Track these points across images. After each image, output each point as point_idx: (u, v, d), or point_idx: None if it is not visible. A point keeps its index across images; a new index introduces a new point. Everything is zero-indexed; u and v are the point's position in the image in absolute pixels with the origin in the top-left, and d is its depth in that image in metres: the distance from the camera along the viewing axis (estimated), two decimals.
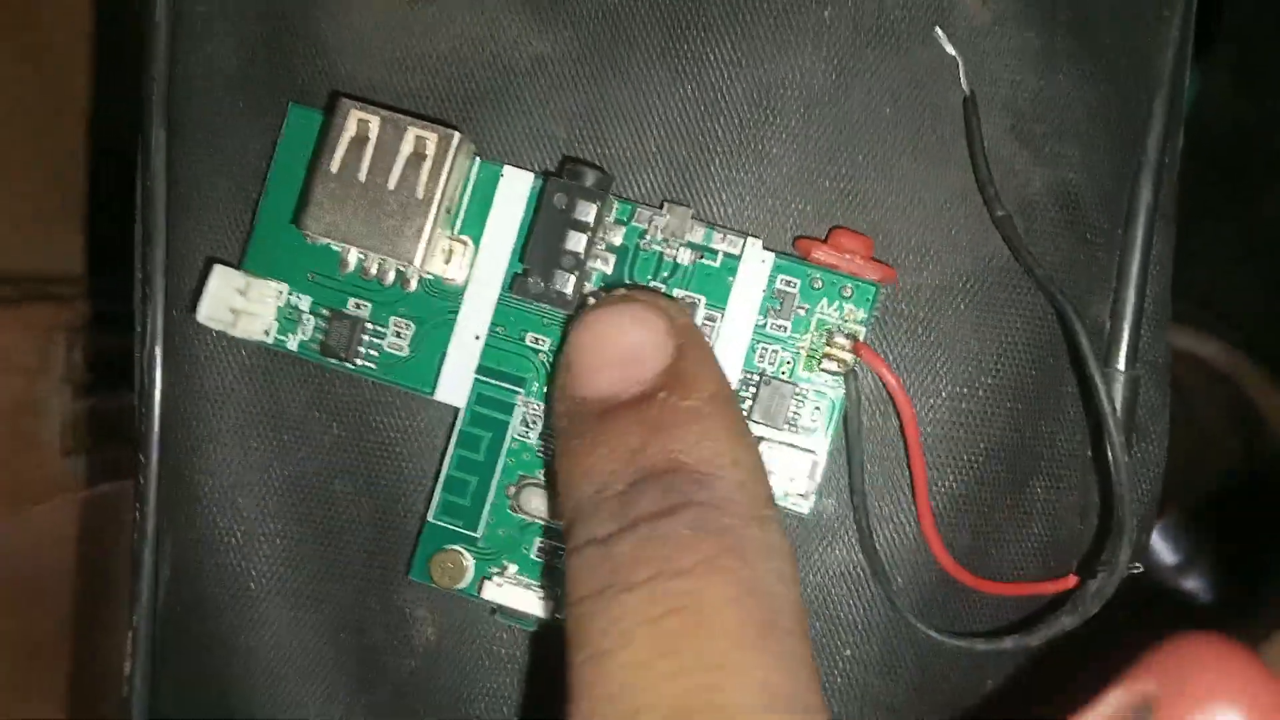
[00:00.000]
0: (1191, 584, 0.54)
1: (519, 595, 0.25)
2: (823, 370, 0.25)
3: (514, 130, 0.27)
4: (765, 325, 0.25)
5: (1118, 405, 0.27)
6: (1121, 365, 0.27)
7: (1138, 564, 0.27)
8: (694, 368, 0.21)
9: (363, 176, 0.24)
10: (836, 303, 0.25)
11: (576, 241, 0.24)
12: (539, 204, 0.25)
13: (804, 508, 0.25)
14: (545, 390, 0.25)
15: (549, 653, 0.27)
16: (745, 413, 0.25)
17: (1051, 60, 0.27)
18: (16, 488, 0.43)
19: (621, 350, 0.21)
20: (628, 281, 0.25)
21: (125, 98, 0.30)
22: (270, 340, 0.26)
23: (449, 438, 0.26)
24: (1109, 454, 0.25)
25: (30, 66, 0.43)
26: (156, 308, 0.27)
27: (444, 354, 0.25)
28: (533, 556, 0.25)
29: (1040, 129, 0.27)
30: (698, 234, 0.25)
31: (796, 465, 0.25)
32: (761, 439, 0.25)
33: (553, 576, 0.25)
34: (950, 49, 0.26)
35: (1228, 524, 0.54)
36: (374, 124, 0.24)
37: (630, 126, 0.26)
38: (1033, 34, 0.27)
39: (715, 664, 0.18)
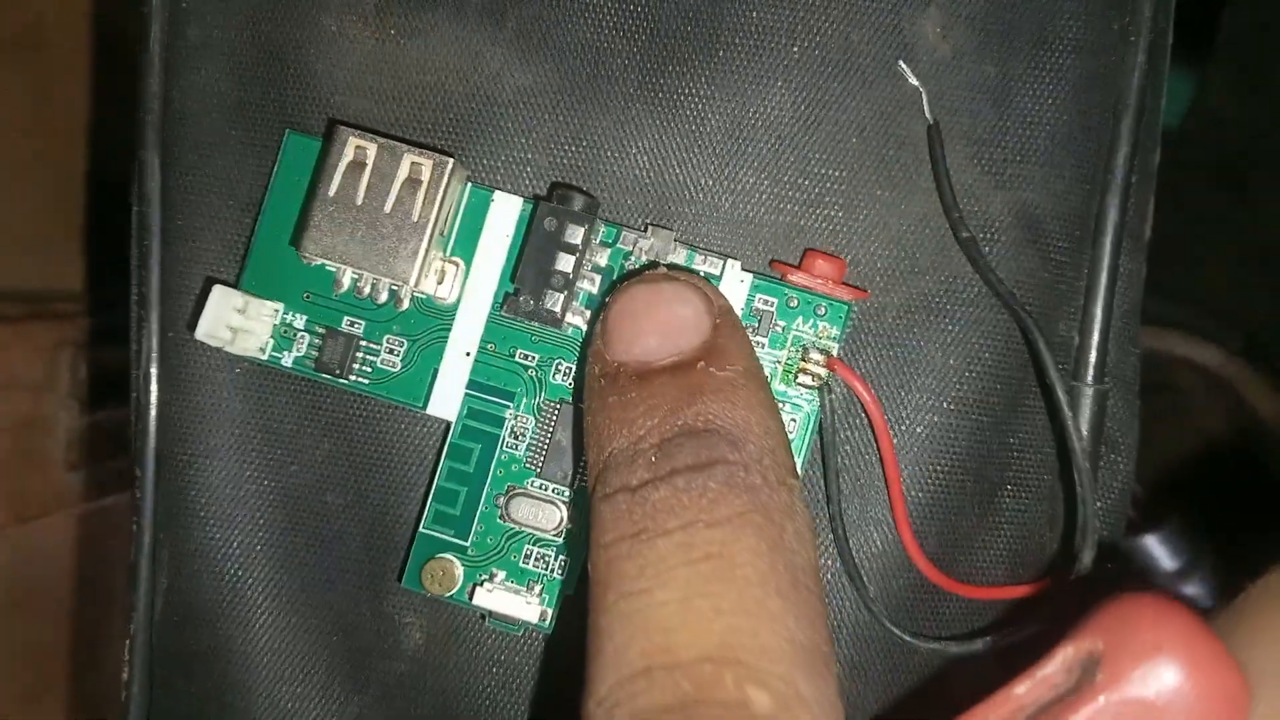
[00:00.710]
0: (1192, 589, 0.54)
1: (509, 600, 0.26)
2: (798, 384, 0.26)
3: (496, 159, 0.28)
4: None
5: (1085, 417, 0.28)
6: (1089, 380, 0.28)
7: (1109, 564, 0.28)
8: (730, 344, 0.22)
9: (359, 200, 0.25)
10: (811, 320, 0.26)
11: (565, 262, 0.25)
12: (529, 227, 0.26)
13: None
14: (535, 404, 0.26)
15: (535, 657, 0.28)
16: None
17: (1008, 89, 0.28)
18: (23, 502, 0.43)
19: (663, 320, 0.23)
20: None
21: (125, 121, 0.31)
22: (265, 357, 0.27)
23: (440, 450, 0.27)
24: (1072, 460, 0.26)
25: (34, 92, 0.44)
26: (152, 330, 0.28)
27: (436, 369, 0.26)
28: (521, 564, 0.26)
29: (1000, 154, 0.28)
30: (680, 255, 0.26)
31: None
32: None
33: (541, 583, 0.26)
34: (914, 80, 0.27)
35: (1228, 529, 0.54)
36: (371, 150, 0.25)
37: (609, 156, 0.27)
38: (990, 65, 0.28)
39: (749, 609, 0.18)
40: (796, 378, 0.26)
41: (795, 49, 0.27)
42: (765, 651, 0.18)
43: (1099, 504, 0.29)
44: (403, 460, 0.28)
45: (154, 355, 0.29)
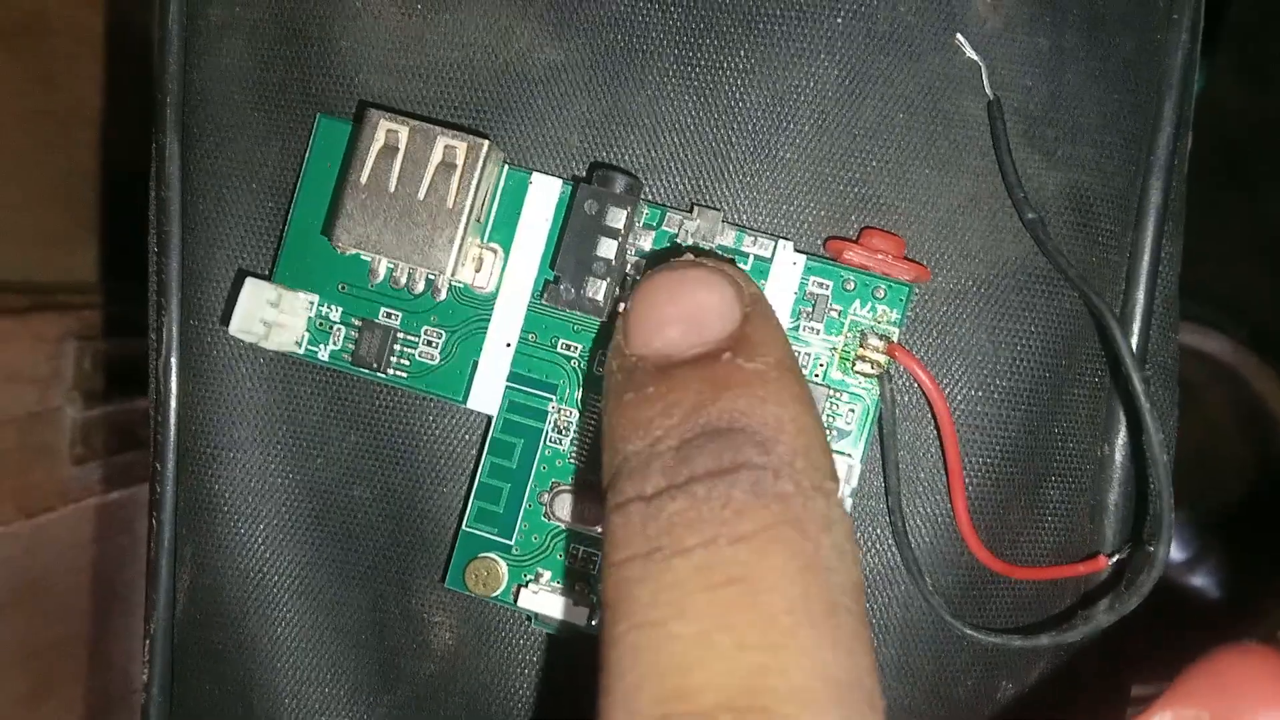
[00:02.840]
0: (1200, 580, 0.54)
1: (555, 602, 0.25)
2: (856, 373, 0.25)
3: (527, 138, 0.27)
4: (798, 328, 0.25)
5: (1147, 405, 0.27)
6: (1133, 365, 0.27)
7: (1149, 546, 0.27)
8: (760, 334, 0.20)
9: (392, 187, 0.24)
10: (869, 304, 0.25)
11: (608, 248, 0.24)
12: (569, 210, 0.25)
13: None
14: (579, 396, 0.26)
15: (565, 657, 0.27)
16: None
17: (1062, 64, 0.27)
18: (29, 497, 0.43)
19: (686, 310, 0.20)
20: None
21: (131, 109, 0.30)
22: (302, 351, 0.26)
23: (482, 445, 0.26)
24: (1146, 451, 0.26)
25: (39, 80, 0.43)
26: (172, 318, 0.28)
27: (476, 362, 0.26)
28: (567, 564, 0.25)
29: (1052, 133, 0.27)
30: (728, 237, 0.25)
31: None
32: None
33: (588, 583, 0.25)
34: (972, 53, 0.26)
35: (1236, 520, 0.54)
36: (403, 134, 0.24)
37: (644, 134, 0.26)
38: (1043, 38, 0.27)
39: (777, 643, 0.16)
40: (854, 365, 0.25)
41: (839, 20, 0.26)
42: (796, 694, 0.16)
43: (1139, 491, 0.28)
44: (431, 453, 0.27)
45: (174, 344, 0.28)
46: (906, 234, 0.27)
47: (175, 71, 0.28)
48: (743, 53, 0.26)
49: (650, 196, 0.26)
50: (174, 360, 0.28)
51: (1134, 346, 0.28)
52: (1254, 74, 0.51)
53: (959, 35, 0.26)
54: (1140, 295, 0.28)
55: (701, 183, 0.26)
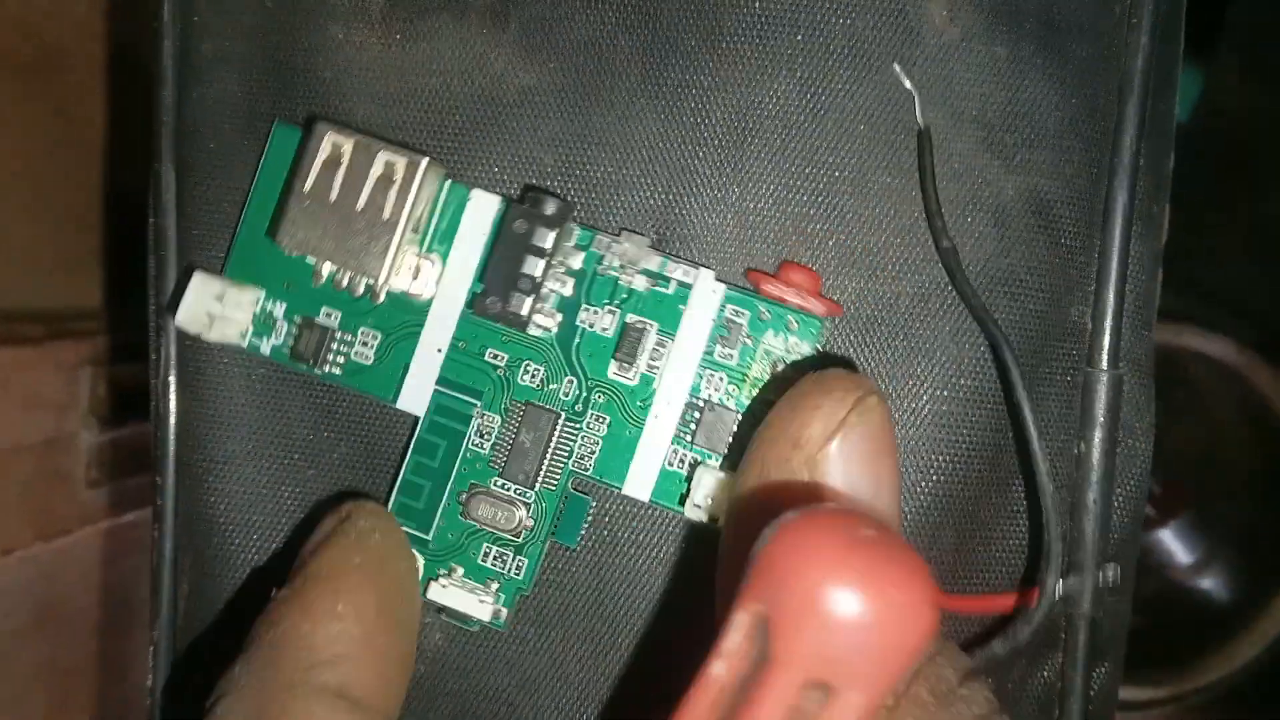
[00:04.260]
0: (1207, 582, 0.54)
1: (463, 598, 0.26)
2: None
3: (503, 158, 0.28)
4: (713, 353, 0.26)
5: (1101, 402, 0.28)
6: (1104, 365, 0.28)
7: (1110, 573, 0.27)
8: None
9: (334, 197, 0.25)
10: (782, 334, 0.26)
11: (534, 266, 0.25)
12: (499, 228, 0.26)
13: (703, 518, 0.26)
14: (502, 403, 0.27)
15: (554, 658, 0.28)
16: (689, 436, 0.26)
17: (1020, 70, 0.28)
18: (46, 521, 0.44)
19: None
20: (585, 306, 0.26)
21: (142, 138, 0.31)
22: (245, 344, 0.27)
23: (407, 444, 0.27)
24: (1037, 481, 0.26)
25: (54, 113, 0.44)
26: (169, 339, 0.29)
27: (407, 365, 0.27)
28: (479, 562, 0.27)
29: (1011, 139, 0.28)
30: (653, 262, 0.26)
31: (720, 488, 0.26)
32: (701, 462, 0.26)
33: (498, 581, 0.27)
34: (907, 83, 0.27)
35: (1242, 521, 0.54)
36: (347, 147, 0.25)
37: (615, 152, 0.28)
38: (1000, 47, 0.27)
39: None
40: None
41: (799, 37, 0.27)
42: None
43: (1118, 490, 0.29)
44: None
45: (172, 363, 0.29)
46: (872, 240, 0.27)
47: (170, 103, 0.29)
48: (707, 71, 0.27)
49: (621, 211, 0.27)
50: (172, 379, 0.29)
51: (1105, 346, 0.28)
52: (1258, 75, 0.51)
53: (895, 65, 0.27)
54: (1110, 295, 0.28)
55: (671, 196, 0.27)
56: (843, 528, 0.19)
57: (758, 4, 0.27)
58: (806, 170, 0.27)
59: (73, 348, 0.45)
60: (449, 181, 0.27)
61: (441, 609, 0.26)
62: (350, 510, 0.25)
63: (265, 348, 0.27)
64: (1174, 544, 0.52)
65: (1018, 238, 0.28)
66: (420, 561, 0.26)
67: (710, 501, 0.25)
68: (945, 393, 0.27)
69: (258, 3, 0.29)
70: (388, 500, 0.27)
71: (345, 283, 0.26)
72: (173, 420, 0.29)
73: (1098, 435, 0.28)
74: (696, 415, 0.26)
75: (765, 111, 0.27)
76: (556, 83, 0.28)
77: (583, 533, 0.27)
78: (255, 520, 0.29)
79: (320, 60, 0.28)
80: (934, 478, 0.28)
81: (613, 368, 0.26)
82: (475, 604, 0.26)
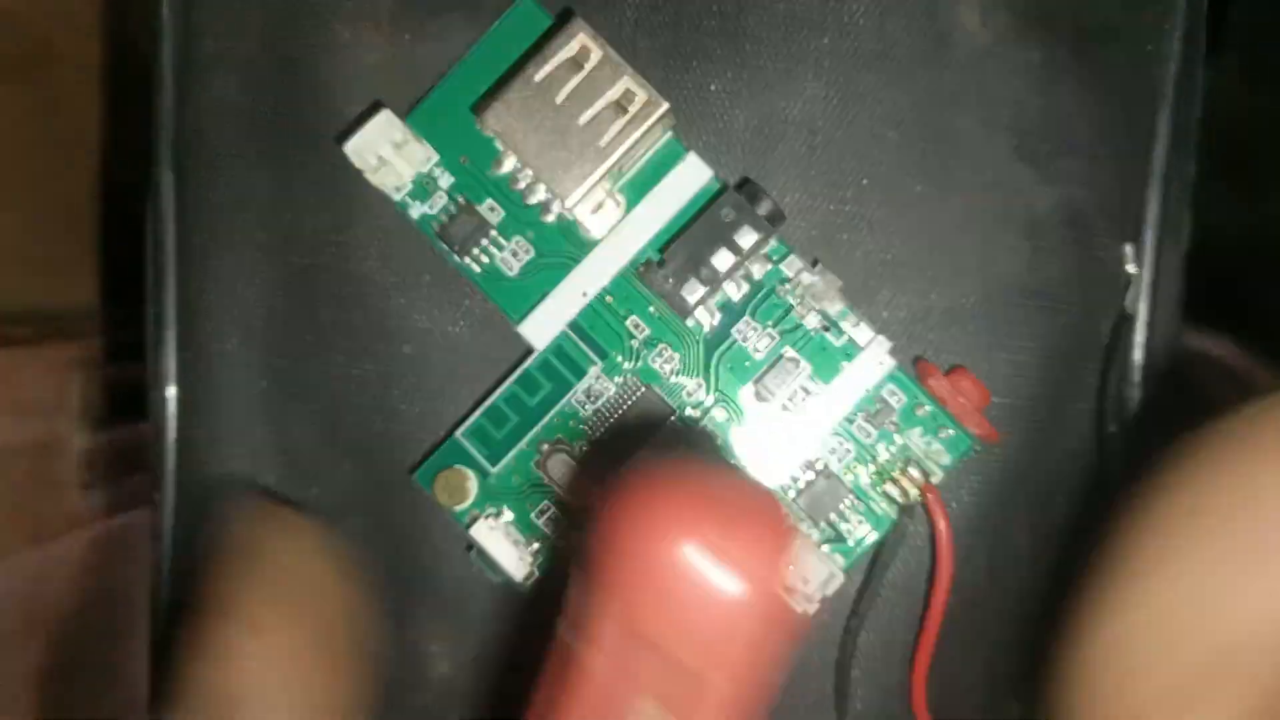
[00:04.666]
0: None
1: (503, 546, 0.26)
2: (883, 491, 0.25)
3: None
4: (854, 422, 0.25)
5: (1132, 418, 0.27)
6: (1137, 380, 0.27)
7: None
8: None
9: (559, 100, 0.24)
10: (929, 437, 0.25)
11: (724, 260, 0.24)
12: (704, 207, 0.25)
13: (806, 608, 0.25)
14: (622, 375, 0.26)
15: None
16: (792, 494, 0.26)
17: (1053, 76, 0.27)
18: (37, 525, 0.43)
19: None
20: (748, 318, 0.26)
21: (135, 136, 0.30)
22: (397, 199, 0.26)
23: (513, 369, 0.26)
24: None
25: (44, 109, 0.43)
26: (168, 350, 0.28)
27: (546, 294, 0.26)
28: (532, 517, 0.26)
29: (1045, 147, 0.27)
30: (835, 308, 0.25)
31: (817, 569, 0.24)
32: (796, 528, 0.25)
33: (539, 543, 0.26)
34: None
35: None
36: (594, 56, 0.24)
37: None
38: (1034, 51, 0.27)
39: None
40: (885, 483, 0.25)
41: (825, 40, 0.26)
42: None
43: None
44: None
45: (171, 377, 0.28)
46: (900, 252, 0.27)
47: (169, 107, 0.28)
48: (729, 75, 0.27)
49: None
50: (170, 391, 0.28)
51: (1139, 358, 0.28)
52: (1259, 75, 0.51)
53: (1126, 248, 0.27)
54: (1142, 307, 0.27)
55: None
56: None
57: (782, 5, 0.26)
58: (834, 178, 0.27)
59: (63, 349, 0.44)
60: (669, 135, 0.25)
61: (473, 547, 0.26)
62: (249, 515, 0.23)
63: (415, 212, 0.26)
64: None
65: (1051, 249, 0.27)
66: (474, 490, 0.26)
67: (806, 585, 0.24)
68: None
69: (260, 1, 0.28)
70: (467, 417, 0.26)
71: (522, 185, 0.25)
72: (172, 436, 0.28)
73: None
74: (810, 476, 0.26)
75: (791, 117, 0.26)
76: None
77: None
78: None
79: (324, 61, 0.27)
80: (966, 499, 0.27)
81: (747, 389, 0.26)
82: (513, 557, 0.25)
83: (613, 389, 0.26)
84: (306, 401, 0.27)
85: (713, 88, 0.26)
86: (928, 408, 0.25)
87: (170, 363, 0.28)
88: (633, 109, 0.24)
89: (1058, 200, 0.27)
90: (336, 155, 0.27)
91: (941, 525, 0.25)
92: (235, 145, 0.28)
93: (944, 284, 0.27)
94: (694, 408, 0.26)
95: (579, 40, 0.24)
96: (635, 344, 0.25)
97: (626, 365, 0.26)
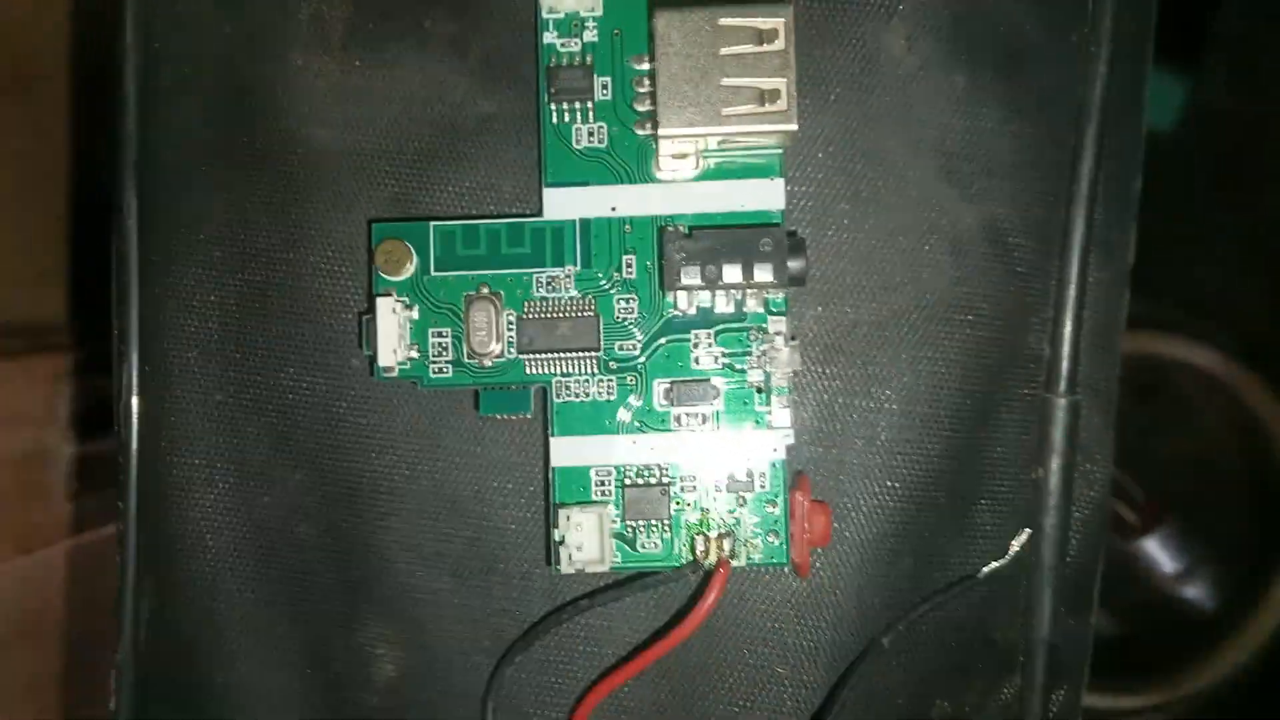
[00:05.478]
0: (1192, 591, 0.54)
1: (390, 332, 0.26)
2: (692, 538, 0.27)
3: (461, 185, 0.28)
4: (721, 488, 0.27)
5: (1058, 428, 0.28)
6: (1062, 390, 0.28)
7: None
8: None
9: (723, 53, 0.25)
10: (759, 530, 0.27)
11: (733, 274, 0.25)
12: (754, 225, 0.26)
13: (566, 568, 0.27)
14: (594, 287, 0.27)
15: (509, 688, 0.28)
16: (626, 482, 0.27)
17: (978, 99, 0.28)
18: (25, 535, 0.44)
19: None
20: (709, 332, 0.27)
21: (109, 154, 0.31)
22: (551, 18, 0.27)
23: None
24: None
25: (28, 125, 0.44)
26: (132, 364, 0.29)
27: (588, 183, 0.27)
28: (430, 329, 0.27)
29: (969, 167, 0.28)
30: (779, 381, 0.27)
31: (591, 545, 0.27)
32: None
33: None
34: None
35: (1227, 530, 0.54)
36: (778, 42, 0.25)
37: None
38: (959, 75, 0.28)
39: None
40: (698, 534, 0.27)
41: None
42: None
43: (1076, 515, 0.29)
44: (374, 490, 0.28)
45: (134, 388, 0.29)
46: (830, 268, 0.28)
47: (132, 132, 0.29)
48: None
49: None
50: (134, 402, 0.29)
51: (1063, 372, 0.28)
52: (1244, 82, 0.51)
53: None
54: (1067, 321, 0.28)
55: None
56: None
57: None
58: None
59: (50, 361, 0.45)
60: (780, 152, 0.27)
61: (365, 315, 0.27)
62: None
63: (548, 39, 0.28)
64: (1159, 553, 0.52)
65: (975, 265, 0.28)
66: (410, 269, 0.27)
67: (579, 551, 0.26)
68: (902, 419, 0.28)
69: (217, 30, 0.29)
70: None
71: (643, 91, 0.27)
72: (135, 445, 0.29)
73: (1055, 461, 0.28)
74: (650, 481, 0.27)
75: None
76: (516, 110, 0.28)
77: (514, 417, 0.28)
78: (212, 548, 0.29)
79: (279, 87, 0.28)
80: (892, 502, 0.28)
81: (664, 384, 0.27)
82: (393, 340, 0.27)
83: (570, 294, 0.27)
84: (259, 413, 0.29)
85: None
86: (778, 510, 0.27)
87: (133, 376, 0.29)
88: (769, 107, 0.25)
89: (981, 218, 0.28)
90: (290, 177, 0.28)
91: (709, 600, 0.26)
92: (193, 168, 0.29)
93: (871, 297, 0.28)
94: (614, 360, 0.27)
95: (778, 21, 0.25)
96: (616, 276, 0.27)
97: (599, 283, 0.27)
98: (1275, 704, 0.51)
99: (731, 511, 0.27)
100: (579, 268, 0.27)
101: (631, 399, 0.27)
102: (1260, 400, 0.51)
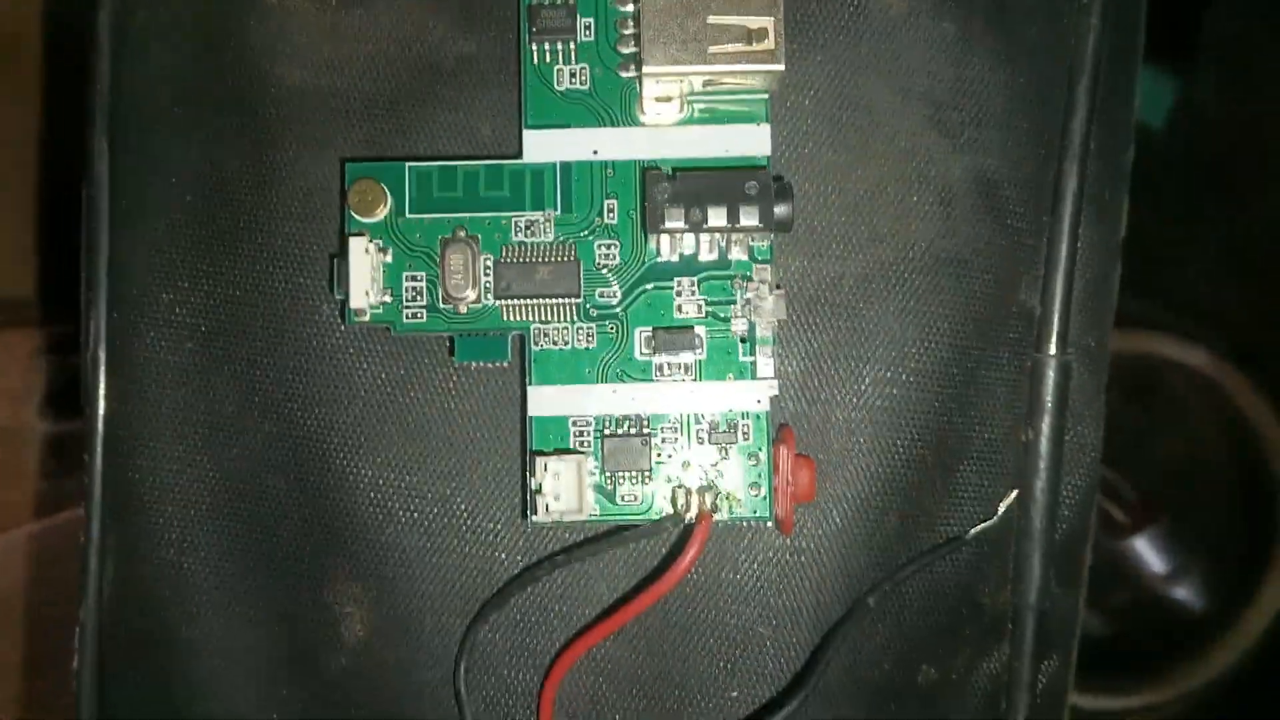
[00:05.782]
0: (1181, 591, 0.53)
1: (363, 274, 0.26)
2: (672, 490, 0.26)
3: (438, 126, 0.27)
4: (699, 422, 0.26)
5: (1048, 388, 0.27)
6: (1052, 350, 0.28)
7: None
8: None
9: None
10: (742, 483, 0.26)
11: (718, 217, 0.25)
12: (740, 168, 0.26)
13: (542, 517, 0.26)
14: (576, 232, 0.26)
15: (483, 648, 0.28)
16: (605, 432, 0.26)
17: (968, 48, 0.27)
18: (3, 514, 0.43)
19: None
20: (692, 280, 0.26)
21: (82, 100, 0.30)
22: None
23: None
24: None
25: (15, 104, 0.44)
26: (100, 312, 0.28)
27: (569, 125, 0.26)
28: (405, 273, 0.26)
29: (958, 117, 0.27)
30: (763, 331, 0.26)
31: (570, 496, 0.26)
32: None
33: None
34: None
35: (1217, 530, 0.53)
36: None
37: None
38: (949, 23, 0.27)
39: None
40: (677, 487, 0.26)
41: None
42: None
43: (1066, 479, 0.28)
44: (344, 443, 0.28)
45: (102, 337, 0.28)
46: (816, 219, 0.27)
47: (105, 73, 0.28)
48: None
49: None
50: (101, 353, 0.28)
51: (1054, 331, 0.28)
52: (1235, 84, 0.51)
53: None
54: (1059, 278, 0.28)
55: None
56: None
57: None
58: None
59: (28, 336, 0.45)
60: (765, 96, 0.26)
61: (336, 258, 0.26)
62: None
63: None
64: (1148, 553, 0.52)
65: (964, 218, 0.27)
66: (382, 211, 0.26)
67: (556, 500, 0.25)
68: (889, 374, 0.27)
69: None
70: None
71: (627, 33, 0.26)
72: (102, 396, 0.28)
73: (1046, 422, 0.28)
74: (632, 431, 0.26)
75: None
76: (496, 52, 0.27)
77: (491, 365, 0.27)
78: (178, 499, 0.28)
79: (252, 26, 0.28)
80: (878, 460, 0.27)
81: (645, 331, 0.26)
82: (365, 281, 0.26)
83: (549, 238, 0.26)
84: (229, 362, 0.28)
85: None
86: (761, 463, 0.26)
87: (101, 323, 0.28)
88: (756, 47, 0.24)
89: (969, 169, 0.27)
90: (262, 119, 0.27)
91: (690, 554, 0.25)
92: (166, 111, 0.28)
93: (858, 249, 0.27)
94: (595, 306, 0.26)
95: None
96: (598, 222, 0.26)
97: (578, 230, 0.26)
98: (1265, 704, 0.50)
99: (714, 464, 0.26)
100: (559, 212, 0.26)
101: (611, 349, 0.26)
102: (1251, 401, 0.51)
